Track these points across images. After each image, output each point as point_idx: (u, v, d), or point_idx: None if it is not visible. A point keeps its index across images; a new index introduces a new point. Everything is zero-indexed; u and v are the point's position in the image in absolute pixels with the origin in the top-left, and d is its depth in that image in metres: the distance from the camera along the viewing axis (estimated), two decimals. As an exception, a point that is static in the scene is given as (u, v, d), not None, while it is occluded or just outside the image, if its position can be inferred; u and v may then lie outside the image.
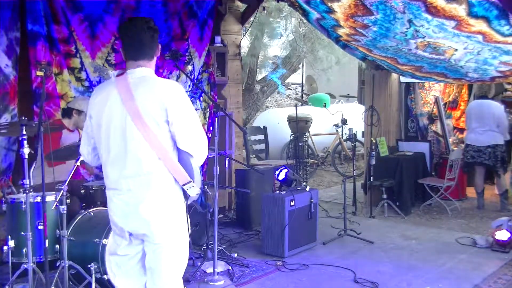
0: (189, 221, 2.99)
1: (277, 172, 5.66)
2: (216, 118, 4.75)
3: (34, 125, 3.72)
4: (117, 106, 2.80)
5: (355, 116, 9.80)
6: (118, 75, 2.87)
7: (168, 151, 2.80)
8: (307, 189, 5.57)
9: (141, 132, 2.76)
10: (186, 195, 2.89)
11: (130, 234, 2.90)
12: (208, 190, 5.14)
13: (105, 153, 2.87)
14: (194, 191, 2.85)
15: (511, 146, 7.45)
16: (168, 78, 6.02)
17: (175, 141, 2.82)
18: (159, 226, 2.83)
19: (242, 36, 7.43)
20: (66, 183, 3.81)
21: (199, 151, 2.87)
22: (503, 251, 5.40)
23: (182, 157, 2.84)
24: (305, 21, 8.41)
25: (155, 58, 2.93)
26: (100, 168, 5.05)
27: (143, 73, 2.86)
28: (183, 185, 2.83)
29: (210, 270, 4.70)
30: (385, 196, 6.87)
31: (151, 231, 2.83)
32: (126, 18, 2.82)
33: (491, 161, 6.99)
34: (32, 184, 3.80)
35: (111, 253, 3.04)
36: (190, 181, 2.83)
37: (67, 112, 4.86)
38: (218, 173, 4.59)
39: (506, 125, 7.09)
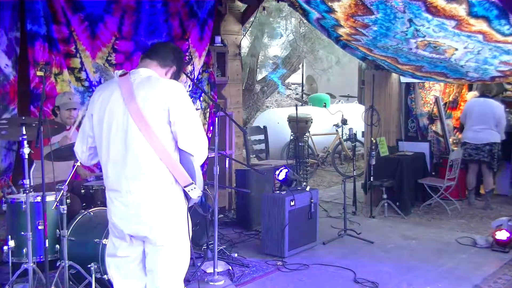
0: (190, 223, 2.98)
1: (277, 172, 5.65)
2: (216, 118, 4.75)
3: (34, 124, 3.71)
4: (119, 106, 2.80)
5: (355, 116, 9.80)
6: (121, 75, 2.87)
7: (170, 152, 2.79)
8: (307, 189, 5.56)
9: (143, 133, 2.75)
10: (187, 197, 2.88)
11: (131, 236, 2.89)
12: (208, 190, 5.14)
13: (106, 153, 2.86)
14: (196, 193, 2.84)
15: (507, 145, 7.52)
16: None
17: (177, 142, 2.82)
18: (161, 229, 2.82)
19: (242, 36, 7.42)
20: (66, 183, 3.80)
21: (199, 151, 2.85)
22: (503, 251, 5.40)
23: (184, 158, 2.83)
24: (305, 21, 8.40)
25: (164, 70, 2.95)
26: (100, 168, 5.02)
27: (146, 73, 2.86)
28: (185, 187, 2.82)
29: (210, 270, 4.70)
30: (385, 196, 6.87)
31: (152, 234, 2.82)
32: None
33: (489, 158, 7.11)
34: (32, 184, 3.80)
35: (110, 255, 3.00)
36: (192, 183, 2.82)
37: (54, 112, 4.86)
38: (218, 173, 4.58)
39: (504, 125, 7.21)
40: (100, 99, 2.88)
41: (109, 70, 5.43)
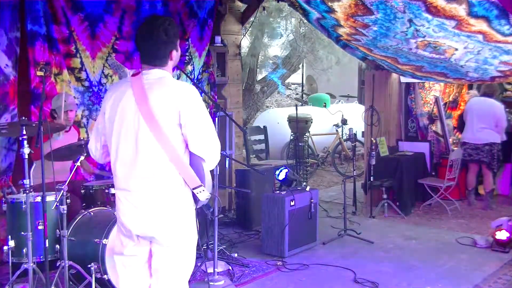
0: (197, 224, 2.98)
1: (277, 172, 5.65)
2: (216, 118, 4.76)
3: (34, 125, 3.71)
4: (130, 106, 2.79)
5: (355, 116, 9.80)
6: (133, 75, 2.86)
7: (180, 154, 2.78)
8: (307, 189, 5.57)
9: (153, 134, 2.74)
10: (195, 199, 2.87)
11: (138, 236, 2.88)
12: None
13: (115, 152, 2.85)
14: (204, 195, 2.83)
15: (507, 145, 7.53)
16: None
17: (187, 144, 2.82)
18: (168, 230, 2.81)
19: (242, 36, 7.43)
20: (66, 183, 3.80)
21: (211, 155, 2.84)
22: (503, 251, 5.40)
23: (194, 160, 2.82)
24: (305, 21, 8.41)
25: (170, 63, 2.89)
26: (100, 167, 5.05)
27: (158, 74, 2.84)
28: (193, 189, 2.81)
29: (210, 270, 4.70)
30: (385, 196, 6.87)
31: (160, 234, 2.81)
32: (142, 20, 2.79)
33: (488, 158, 7.10)
34: (32, 184, 3.80)
35: (116, 253, 2.99)
36: (201, 185, 2.80)
37: (52, 115, 4.86)
38: (218, 173, 4.59)
39: (505, 126, 7.20)
40: (112, 98, 2.87)
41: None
